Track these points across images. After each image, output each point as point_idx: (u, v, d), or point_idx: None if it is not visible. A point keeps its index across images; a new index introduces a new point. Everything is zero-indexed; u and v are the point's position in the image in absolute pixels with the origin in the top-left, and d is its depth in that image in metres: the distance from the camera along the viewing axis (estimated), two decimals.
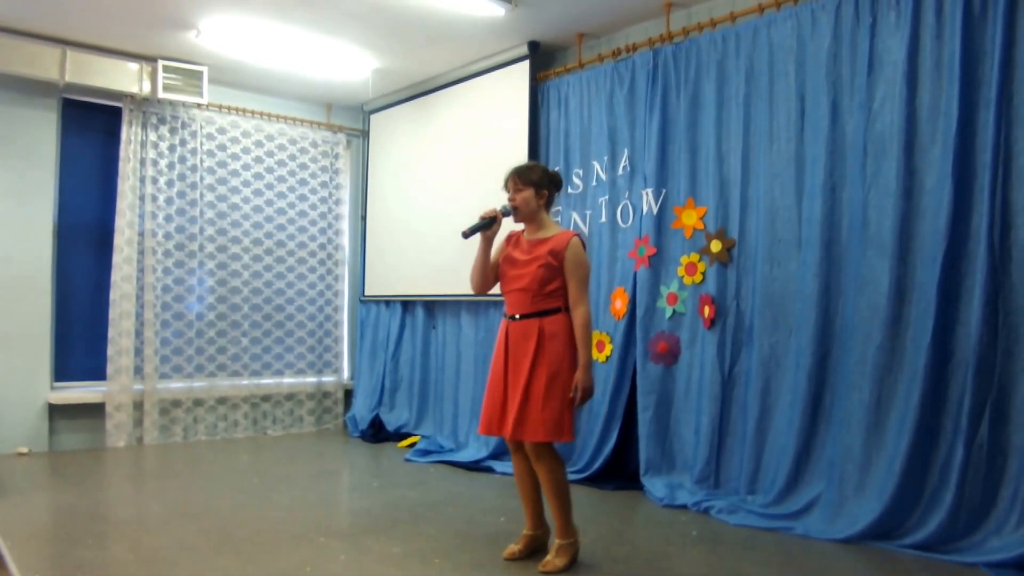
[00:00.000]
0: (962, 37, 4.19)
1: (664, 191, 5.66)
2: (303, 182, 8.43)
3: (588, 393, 3.91)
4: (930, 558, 4.06)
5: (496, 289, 4.24)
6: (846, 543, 4.34)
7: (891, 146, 4.45)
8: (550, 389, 3.86)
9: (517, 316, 4.00)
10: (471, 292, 4.31)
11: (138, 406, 7.34)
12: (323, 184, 8.56)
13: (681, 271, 5.52)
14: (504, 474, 6.21)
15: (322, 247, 8.55)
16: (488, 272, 4.15)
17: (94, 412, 7.16)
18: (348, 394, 8.72)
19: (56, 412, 7.03)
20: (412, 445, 7.35)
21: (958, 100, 4.18)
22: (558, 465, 4.00)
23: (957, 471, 4.10)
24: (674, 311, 5.56)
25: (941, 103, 4.29)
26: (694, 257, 5.45)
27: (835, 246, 4.71)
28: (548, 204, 4.14)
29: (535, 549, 4.10)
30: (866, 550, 4.25)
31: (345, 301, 8.74)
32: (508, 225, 4.13)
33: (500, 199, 4.17)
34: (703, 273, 5.40)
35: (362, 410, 8.31)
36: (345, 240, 8.76)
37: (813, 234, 4.77)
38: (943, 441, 4.21)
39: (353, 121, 8.82)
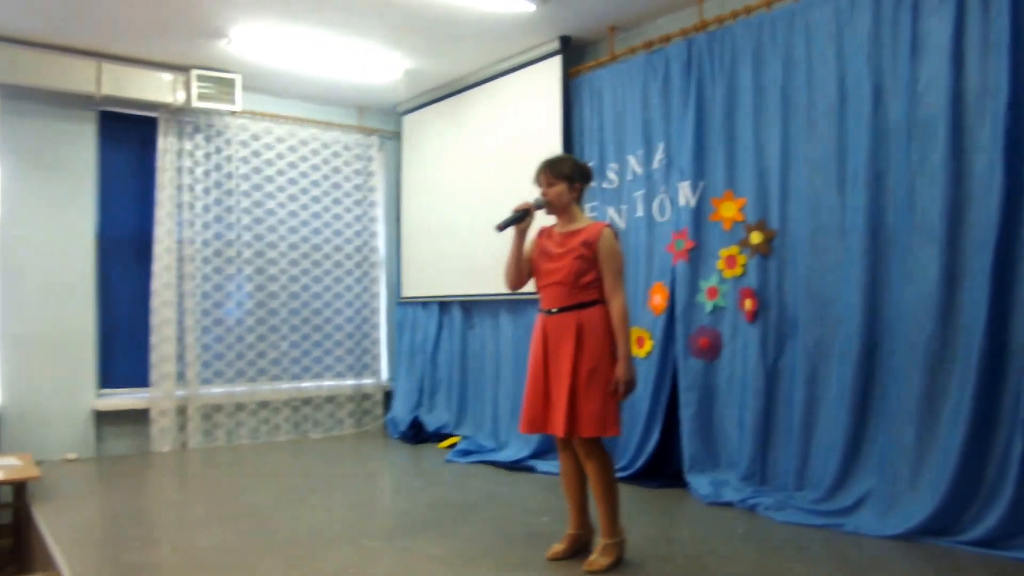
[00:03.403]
0: (1011, 12, 4.04)
1: (702, 183, 5.57)
2: (337, 185, 8.44)
3: (629, 386, 3.86)
4: (990, 555, 3.94)
5: (533, 287, 4.19)
6: (899, 540, 4.23)
7: (937, 129, 4.31)
8: (591, 383, 3.82)
9: (554, 310, 3.96)
10: (508, 291, 4.27)
11: (181, 411, 7.40)
12: (357, 187, 8.57)
13: (721, 264, 5.44)
14: (546, 473, 6.17)
15: (358, 250, 8.56)
16: (523, 267, 4.11)
17: (139, 418, 7.23)
18: (387, 396, 8.71)
19: (102, 418, 7.10)
20: (452, 446, 7.33)
21: (1008, 78, 4.03)
22: (607, 462, 3.96)
23: (1016, 463, 3.95)
24: (714, 305, 5.48)
25: (989, 82, 4.13)
26: (734, 250, 5.36)
27: (880, 234, 4.59)
28: (580, 197, 4.10)
29: (579, 549, 4.06)
30: (921, 547, 4.14)
31: (382, 303, 8.74)
32: (540, 219, 4.10)
33: (536, 195, 4.12)
34: (743, 266, 5.31)
35: (402, 411, 8.30)
36: (380, 242, 8.75)
37: (857, 223, 4.65)
38: (1000, 432, 4.07)
39: (385, 123, 8.81)
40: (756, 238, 5.22)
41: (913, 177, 4.43)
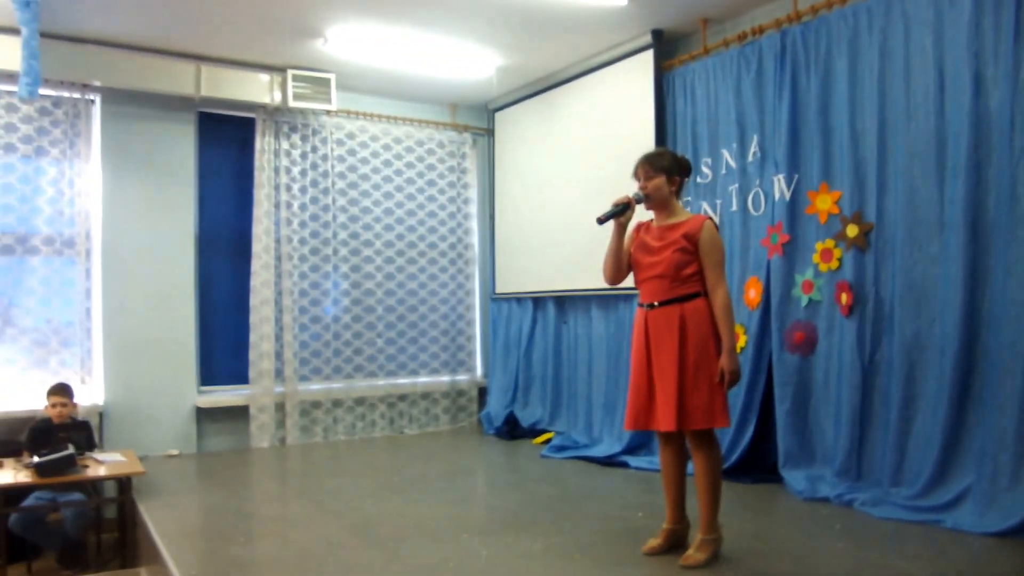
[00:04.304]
0: None
1: (796, 176, 5.50)
2: (431, 183, 8.54)
3: (735, 377, 3.84)
4: None
5: (626, 282, 4.20)
6: (1001, 537, 4.12)
7: None
8: (698, 375, 3.81)
9: (656, 303, 3.95)
10: (601, 286, 4.29)
11: (280, 408, 7.55)
12: (451, 184, 8.66)
13: (816, 258, 5.36)
14: (639, 469, 6.17)
15: (452, 247, 8.65)
16: (622, 261, 4.11)
17: (238, 414, 7.40)
18: (482, 392, 8.78)
19: (203, 415, 7.29)
20: (547, 441, 7.36)
21: None
22: (718, 455, 3.97)
23: None
24: (810, 299, 5.40)
25: None
26: (829, 243, 5.28)
27: (981, 226, 4.47)
28: (679, 190, 4.09)
29: (674, 544, 4.05)
30: None
31: (476, 299, 8.82)
32: (638, 214, 4.09)
33: (628, 191, 4.12)
34: (839, 259, 5.23)
35: (496, 407, 8.37)
36: (475, 239, 8.83)
37: (956, 214, 4.54)
38: None
39: (478, 120, 8.87)
40: (852, 231, 5.13)
41: (1016, 167, 4.30)
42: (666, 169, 4.01)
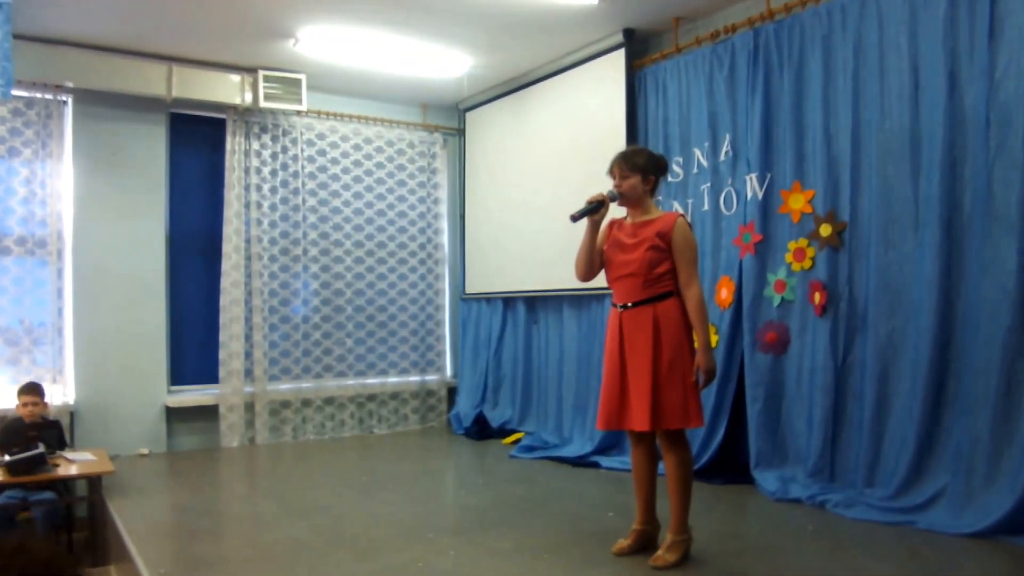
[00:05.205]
0: None
1: (769, 175, 5.48)
2: (402, 183, 8.49)
3: (711, 375, 3.82)
4: None
5: (597, 282, 4.19)
6: (975, 538, 4.10)
7: (1017, 115, 4.15)
8: (671, 375, 3.79)
9: (630, 304, 3.92)
10: (572, 286, 4.25)
11: (249, 407, 7.50)
12: (421, 184, 8.61)
13: (789, 257, 5.34)
14: (610, 469, 6.14)
15: (422, 247, 8.60)
16: (594, 258, 4.08)
17: (208, 414, 7.36)
18: (451, 392, 8.74)
19: (173, 415, 7.23)
20: (516, 442, 7.32)
21: None
22: (689, 456, 3.97)
23: None
24: (783, 299, 5.39)
25: None
26: (803, 242, 5.26)
27: (956, 225, 4.45)
28: (653, 189, 4.06)
29: (644, 544, 4.02)
30: (999, 545, 4.01)
31: (446, 300, 8.78)
32: (612, 210, 4.06)
33: (600, 190, 4.08)
34: (812, 259, 5.21)
35: (466, 408, 8.32)
36: (445, 239, 8.78)
37: (931, 213, 4.53)
38: None
39: (449, 120, 8.83)
40: (826, 230, 5.12)
41: (991, 165, 4.28)
42: (641, 168, 3.98)
